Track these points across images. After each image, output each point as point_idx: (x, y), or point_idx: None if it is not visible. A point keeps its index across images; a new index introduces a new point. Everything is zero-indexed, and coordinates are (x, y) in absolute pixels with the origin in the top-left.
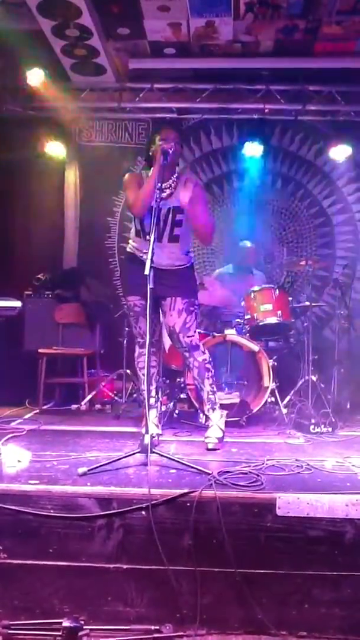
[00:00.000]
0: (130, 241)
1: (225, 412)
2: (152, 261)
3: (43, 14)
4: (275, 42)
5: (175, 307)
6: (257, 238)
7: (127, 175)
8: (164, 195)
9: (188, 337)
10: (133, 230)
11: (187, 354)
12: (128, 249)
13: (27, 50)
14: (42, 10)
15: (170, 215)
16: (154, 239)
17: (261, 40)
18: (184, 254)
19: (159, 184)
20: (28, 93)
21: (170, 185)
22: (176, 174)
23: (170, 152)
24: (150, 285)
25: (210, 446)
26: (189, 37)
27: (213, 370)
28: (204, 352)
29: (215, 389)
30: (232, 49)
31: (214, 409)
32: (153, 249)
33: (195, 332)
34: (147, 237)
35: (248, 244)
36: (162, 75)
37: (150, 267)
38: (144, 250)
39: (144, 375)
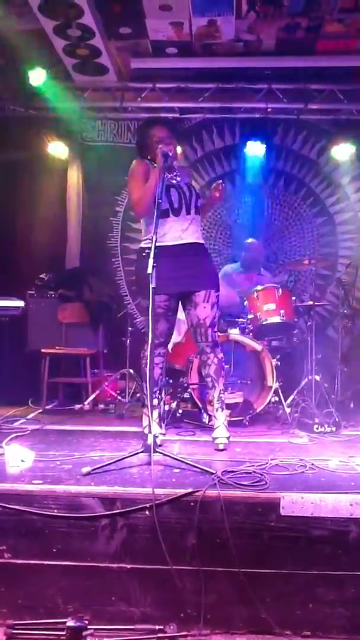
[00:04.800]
0: (144, 239)
1: (228, 412)
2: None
3: (44, 13)
4: (277, 41)
5: (209, 300)
6: (260, 237)
7: (135, 162)
8: (173, 182)
9: (214, 331)
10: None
11: (208, 349)
12: (144, 245)
13: (29, 51)
14: (43, 10)
15: (193, 189)
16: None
17: (263, 39)
18: (200, 230)
19: (169, 176)
20: (30, 93)
21: (178, 174)
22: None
23: (171, 154)
24: (153, 266)
25: (220, 447)
26: (191, 36)
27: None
28: (221, 351)
29: (225, 389)
30: (234, 48)
31: (222, 409)
32: (156, 247)
33: (217, 328)
34: (175, 214)
35: (251, 240)
36: (164, 74)
37: (153, 261)
38: (171, 232)
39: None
